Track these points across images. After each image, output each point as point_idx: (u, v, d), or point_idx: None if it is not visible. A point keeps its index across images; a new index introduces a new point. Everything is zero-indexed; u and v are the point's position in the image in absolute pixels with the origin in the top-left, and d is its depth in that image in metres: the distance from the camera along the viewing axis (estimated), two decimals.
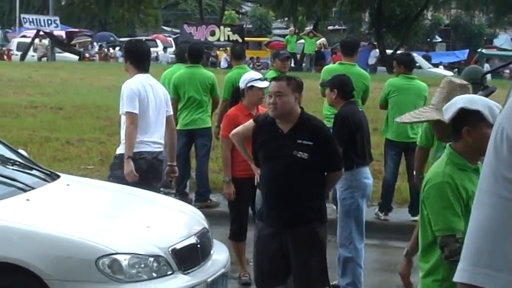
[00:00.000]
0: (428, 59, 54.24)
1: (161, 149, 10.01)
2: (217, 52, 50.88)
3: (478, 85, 9.32)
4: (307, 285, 7.83)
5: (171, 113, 10.41)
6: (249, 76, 10.06)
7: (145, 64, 9.94)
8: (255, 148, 8.17)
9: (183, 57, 14.71)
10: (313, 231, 7.67)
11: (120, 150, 9.80)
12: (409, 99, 12.75)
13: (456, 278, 1.82)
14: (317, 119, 8.04)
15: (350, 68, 12.39)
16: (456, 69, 55.70)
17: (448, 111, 5.17)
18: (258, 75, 10.44)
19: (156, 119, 9.86)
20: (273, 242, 7.82)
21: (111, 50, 59.99)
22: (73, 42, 60.38)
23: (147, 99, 9.72)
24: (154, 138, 9.84)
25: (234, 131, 9.06)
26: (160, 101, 9.89)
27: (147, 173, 9.69)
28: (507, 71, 31.20)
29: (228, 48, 36.86)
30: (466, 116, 5.08)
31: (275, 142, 7.77)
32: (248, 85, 9.82)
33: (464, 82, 6.87)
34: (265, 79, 10.10)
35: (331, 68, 13.50)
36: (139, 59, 9.86)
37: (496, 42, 70.53)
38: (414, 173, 13.10)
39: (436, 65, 53.63)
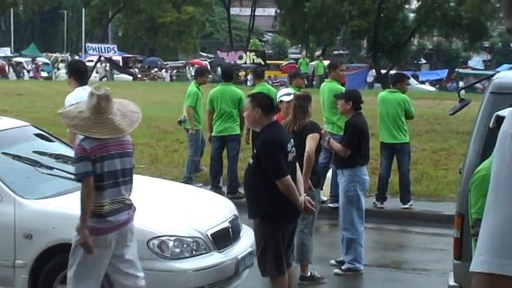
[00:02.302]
0: (416, 77, 54.25)
1: None
2: (240, 73, 50.80)
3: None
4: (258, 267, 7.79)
5: None
6: (279, 93, 10.06)
7: (85, 79, 10.41)
8: None
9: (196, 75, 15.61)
10: (257, 226, 7.55)
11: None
12: (388, 108, 12.82)
13: (481, 269, 1.73)
14: (271, 131, 7.43)
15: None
16: (438, 85, 55.62)
17: (493, 118, 5.24)
18: (285, 91, 10.43)
19: None
20: None
21: (159, 72, 60.18)
22: (169, 65, 60.92)
23: None
24: None
25: None
26: None
27: None
28: (480, 86, 31.12)
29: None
30: (501, 122, 5.08)
31: None
32: (278, 100, 9.86)
33: (89, 89, 7.18)
34: (293, 93, 10.08)
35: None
36: (80, 75, 10.24)
37: (470, 63, 70.43)
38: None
39: (422, 82, 53.58)
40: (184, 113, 14.69)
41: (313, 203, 7.94)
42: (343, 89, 13.06)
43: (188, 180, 13.72)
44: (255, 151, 7.48)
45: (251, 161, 7.52)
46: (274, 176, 7.30)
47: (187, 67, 60.86)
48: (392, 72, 30.46)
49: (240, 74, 49.91)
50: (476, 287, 1.76)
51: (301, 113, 8.76)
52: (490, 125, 5.41)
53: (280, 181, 7.29)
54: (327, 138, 9.77)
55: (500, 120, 5.16)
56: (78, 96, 10.03)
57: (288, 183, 7.33)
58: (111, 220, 6.56)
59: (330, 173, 12.65)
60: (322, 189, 10.23)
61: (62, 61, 62.73)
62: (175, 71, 59.94)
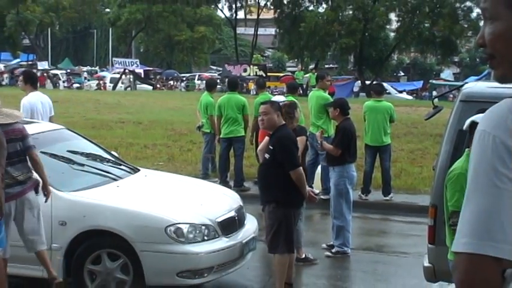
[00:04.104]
0: (394, 88, 54.31)
1: None
2: (248, 83, 50.64)
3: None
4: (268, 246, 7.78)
5: (53, 113, 10.95)
6: (275, 99, 10.04)
7: (37, 84, 10.69)
8: None
9: (209, 87, 15.14)
10: (269, 210, 7.54)
11: None
12: (377, 116, 12.79)
13: (464, 249, 1.74)
14: (284, 131, 7.61)
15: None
16: (414, 95, 55.55)
17: (466, 123, 5.23)
18: (281, 98, 10.44)
19: (44, 120, 10.40)
20: None
21: (175, 82, 60.14)
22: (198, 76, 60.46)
23: (37, 109, 10.46)
24: None
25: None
26: (46, 109, 10.64)
27: None
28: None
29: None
30: (474, 127, 5.11)
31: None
32: None
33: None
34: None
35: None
36: (34, 81, 10.49)
37: (442, 75, 70.26)
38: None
39: (400, 92, 53.53)
40: (201, 119, 14.52)
41: (316, 192, 8.19)
42: (329, 97, 13.09)
43: (206, 176, 13.72)
44: (271, 147, 7.49)
45: (267, 156, 7.54)
46: (289, 167, 7.38)
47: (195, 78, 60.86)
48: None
49: (248, 84, 49.78)
50: (458, 265, 1.76)
51: (289, 118, 8.72)
52: (464, 128, 5.41)
53: (294, 171, 7.38)
54: (319, 141, 9.89)
55: (474, 125, 5.17)
56: (33, 100, 10.60)
57: (300, 173, 7.45)
58: (6, 192, 6.83)
59: (319, 169, 12.71)
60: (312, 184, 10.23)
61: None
62: (185, 81, 59.84)
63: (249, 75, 49.73)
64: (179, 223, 7.15)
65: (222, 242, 7.43)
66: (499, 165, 1.74)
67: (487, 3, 1.85)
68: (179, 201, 7.96)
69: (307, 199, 7.75)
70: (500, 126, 1.77)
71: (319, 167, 12.67)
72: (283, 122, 7.71)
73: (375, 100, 13.18)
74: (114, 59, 63.73)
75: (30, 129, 8.34)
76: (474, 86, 7.15)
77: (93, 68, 68.69)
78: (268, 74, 52.48)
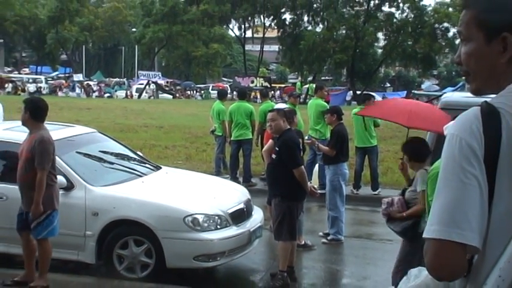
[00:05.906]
0: (384, 98, 54.14)
1: None
2: (253, 93, 50.56)
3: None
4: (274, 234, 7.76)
5: None
6: (277, 107, 10.03)
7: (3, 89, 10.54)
8: None
9: (221, 96, 15.05)
10: (275, 202, 7.54)
11: None
12: (363, 121, 12.76)
13: (433, 235, 1.76)
14: (289, 134, 7.58)
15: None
16: None
17: (445, 128, 5.16)
18: (283, 105, 10.43)
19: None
20: None
21: (192, 92, 60.15)
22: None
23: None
24: None
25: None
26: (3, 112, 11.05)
27: None
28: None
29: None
30: None
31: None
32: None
33: None
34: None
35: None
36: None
37: (423, 86, 70.16)
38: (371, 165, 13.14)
39: None
40: (214, 124, 14.48)
41: (315, 186, 8.15)
42: (327, 105, 13.08)
43: (218, 173, 13.69)
44: (277, 149, 7.47)
45: (274, 156, 7.53)
46: (292, 166, 7.36)
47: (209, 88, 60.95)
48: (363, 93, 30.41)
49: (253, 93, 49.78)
50: (428, 249, 1.77)
51: (288, 123, 8.74)
52: (445, 133, 5.36)
53: (297, 169, 7.36)
54: (316, 144, 9.91)
55: None
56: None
57: (302, 171, 7.42)
58: None
59: (316, 167, 12.70)
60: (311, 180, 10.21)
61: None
62: (201, 91, 59.87)
63: (256, 86, 49.79)
64: (195, 213, 7.15)
65: (232, 230, 7.42)
66: (465, 164, 1.76)
67: (462, 27, 1.89)
68: (195, 195, 7.95)
69: (309, 194, 7.73)
70: (466, 130, 1.80)
71: (317, 166, 12.67)
72: (289, 127, 7.70)
73: (360, 108, 13.17)
74: (139, 71, 63.79)
75: (66, 132, 8.37)
76: (451, 95, 7.14)
77: (120, 79, 68.80)
78: (273, 85, 52.59)
